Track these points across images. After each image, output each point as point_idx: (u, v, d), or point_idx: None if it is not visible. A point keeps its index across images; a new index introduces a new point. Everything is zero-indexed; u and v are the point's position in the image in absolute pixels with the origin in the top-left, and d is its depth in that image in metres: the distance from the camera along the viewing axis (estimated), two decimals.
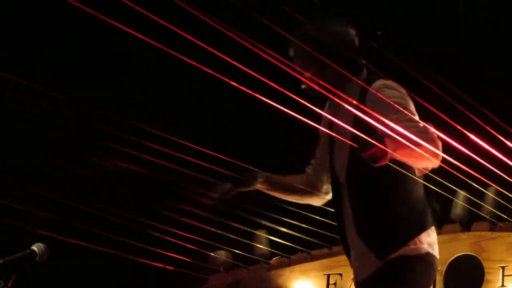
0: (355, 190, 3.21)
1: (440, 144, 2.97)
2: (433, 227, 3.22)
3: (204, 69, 2.17)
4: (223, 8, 2.57)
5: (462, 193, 5.45)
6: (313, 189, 3.50)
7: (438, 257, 3.19)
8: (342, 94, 3.15)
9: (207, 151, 3.30)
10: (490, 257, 5.46)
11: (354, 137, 3.00)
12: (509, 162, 3.29)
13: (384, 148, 2.81)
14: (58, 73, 5.62)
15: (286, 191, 3.52)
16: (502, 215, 5.28)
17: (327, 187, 3.48)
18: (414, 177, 3.16)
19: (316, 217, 4.80)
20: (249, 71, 2.40)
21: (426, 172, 3.11)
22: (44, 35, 5.61)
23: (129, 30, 1.98)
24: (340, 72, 3.16)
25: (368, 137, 2.82)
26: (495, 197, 5.23)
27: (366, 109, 3.01)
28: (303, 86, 3.28)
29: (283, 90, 2.49)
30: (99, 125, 3.25)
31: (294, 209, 4.29)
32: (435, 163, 3.01)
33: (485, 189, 5.16)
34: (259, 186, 3.43)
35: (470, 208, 5.51)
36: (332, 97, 3.18)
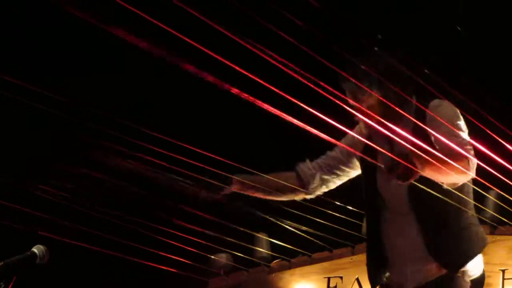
0: (424, 210, 3.33)
1: (473, 161, 3.11)
2: None
3: (205, 75, 2.17)
4: (221, 8, 2.58)
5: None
6: (301, 186, 3.59)
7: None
8: (397, 127, 3.20)
9: (208, 154, 3.30)
10: (490, 261, 5.45)
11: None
12: (509, 165, 3.29)
13: (412, 166, 2.90)
14: (57, 73, 5.63)
15: (264, 193, 3.58)
16: (502, 219, 5.27)
17: (315, 187, 3.60)
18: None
19: (317, 219, 4.79)
20: (252, 75, 2.41)
21: (456, 186, 3.24)
22: (39, 33, 5.62)
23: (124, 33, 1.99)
24: (398, 99, 3.25)
25: (396, 155, 2.92)
26: (496, 201, 5.23)
27: (423, 135, 3.11)
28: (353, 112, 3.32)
29: (298, 102, 2.50)
30: (99, 126, 3.25)
31: (295, 211, 4.29)
32: (464, 179, 3.18)
33: (486, 193, 5.16)
34: (234, 188, 3.47)
35: None
36: (383, 130, 3.20)
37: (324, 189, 3.64)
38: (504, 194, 4.38)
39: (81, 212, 3.89)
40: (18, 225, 3.75)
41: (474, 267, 3.34)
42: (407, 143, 3.10)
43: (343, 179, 3.65)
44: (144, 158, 3.32)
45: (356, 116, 3.29)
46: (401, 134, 3.13)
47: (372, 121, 3.24)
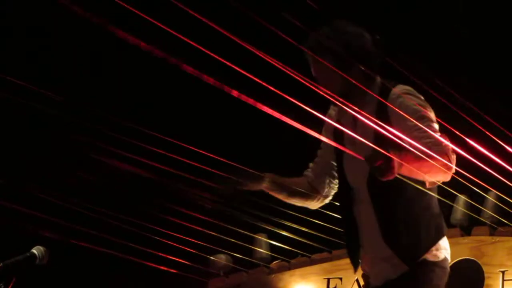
0: (379, 198, 3.24)
1: (453, 157, 3.02)
2: None
3: (205, 76, 2.17)
4: (219, 9, 2.57)
5: (462, 197, 5.45)
6: (313, 192, 3.50)
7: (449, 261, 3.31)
8: (360, 111, 3.11)
9: (208, 154, 3.30)
10: (490, 262, 5.45)
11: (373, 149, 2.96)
12: (508, 167, 3.29)
13: (392, 162, 2.82)
14: (55, 74, 5.63)
15: (289, 194, 3.50)
16: (502, 220, 5.27)
17: (327, 190, 3.51)
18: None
19: (316, 221, 4.79)
20: (247, 74, 2.40)
21: (437, 184, 3.16)
22: (35, 35, 5.63)
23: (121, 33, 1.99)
24: (355, 80, 3.13)
25: (375, 150, 2.83)
26: (495, 202, 5.23)
27: (386, 124, 3.00)
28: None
29: (281, 93, 2.48)
30: (99, 128, 3.25)
31: (294, 213, 4.29)
32: (445, 177, 3.06)
33: (485, 194, 5.16)
34: (264, 186, 3.41)
35: (470, 213, 5.50)
36: (349, 110, 3.14)
37: (334, 187, 3.53)
38: (503, 196, 4.39)
39: (80, 213, 3.90)
40: (18, 225, 3.75)
41: (445, 250, 3.26)
42: (368, 133, 3.05)
43: None
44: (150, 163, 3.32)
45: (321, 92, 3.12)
46: (365, 117, 3.04)
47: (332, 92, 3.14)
